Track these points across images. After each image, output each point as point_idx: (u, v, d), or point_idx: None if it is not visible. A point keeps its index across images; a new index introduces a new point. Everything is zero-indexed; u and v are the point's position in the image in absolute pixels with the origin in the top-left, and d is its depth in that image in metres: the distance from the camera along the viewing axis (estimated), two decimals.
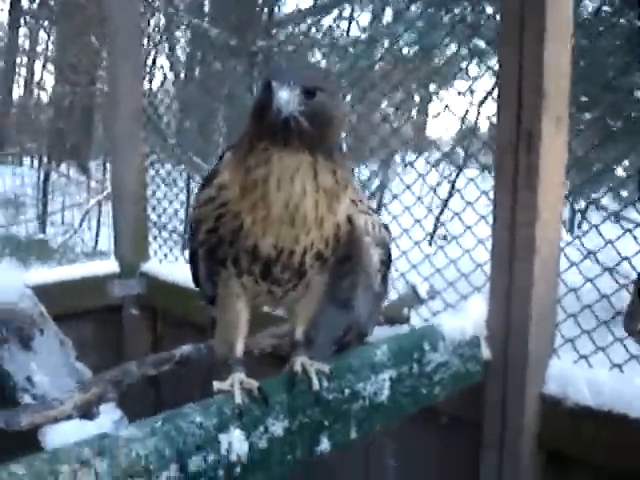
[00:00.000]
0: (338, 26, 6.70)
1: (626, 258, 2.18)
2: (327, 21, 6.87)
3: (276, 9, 7.46)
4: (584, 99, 3.39)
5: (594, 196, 3.33)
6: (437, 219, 4.29)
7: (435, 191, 3.06)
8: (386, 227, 1.56)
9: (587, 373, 1.97)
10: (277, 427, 1.48)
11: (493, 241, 1.99)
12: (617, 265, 2.23)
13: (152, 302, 3.38)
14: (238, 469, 1.40)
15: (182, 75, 7.65)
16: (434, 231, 4.27)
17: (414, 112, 6.35)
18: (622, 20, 3.88)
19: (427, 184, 2.93)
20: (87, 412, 1.73)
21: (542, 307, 1.94)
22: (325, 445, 1.58)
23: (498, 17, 4.35)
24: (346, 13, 6.67)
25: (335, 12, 6.64)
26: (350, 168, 1.47)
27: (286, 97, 1.27)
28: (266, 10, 7.22)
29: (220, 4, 7.01)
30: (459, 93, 4.82)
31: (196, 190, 1.57)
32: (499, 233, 1.96)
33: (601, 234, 2.23)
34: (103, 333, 3.31)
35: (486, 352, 2.00)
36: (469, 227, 2.53)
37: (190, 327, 3.19)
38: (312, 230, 1.39)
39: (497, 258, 1.97)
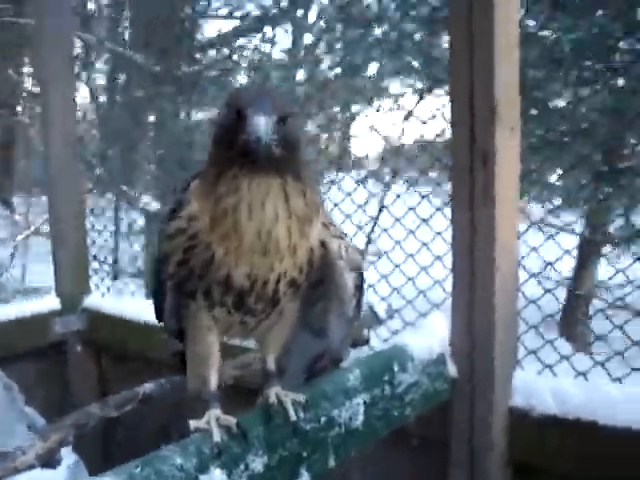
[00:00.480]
0: (257, 49, 6.75)
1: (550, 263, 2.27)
2: (250, 44, 6.92)
3: (199, 34, 7.44)
4: None
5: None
6: (368, 236, 4.33)
7: (364, 209, 3.05)
8: (359, 250, 1.54)
9: (552, 383, 1.99)
10: (257, 463, 1.43)
11: (453, 258, 1.99)
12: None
13: (96, 337, 3.26)
14: None
15: (104, 102, 7.51)
16: (365, 248, 4.30)
17: (338, 132, 6.39)
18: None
19: (354, 202, 2.93)
20: (49, 461, 1.63)
21: (505, 321, 1.95)
22: (305, 477, 1.54)
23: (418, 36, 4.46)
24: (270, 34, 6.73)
25: (258, 35, 6.69)
26: (318, 188, 1.44)
27: (263, 125, 1.24)
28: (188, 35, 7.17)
29: (141, 30, 6.89)
30: (377, 110, 4.90)
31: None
32: (458, 250, 1.96)
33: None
34: (47, 372, 3.17)
35: (452, 369, 1.99)
36: (398, 242, 2.57)
37: (136, 361, 3.10)
38: (285, 257, 1.36)
39: (458, 275, 1.98)
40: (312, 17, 6.27)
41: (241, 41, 6.99)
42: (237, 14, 7.01)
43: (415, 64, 4.60)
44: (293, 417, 1.49)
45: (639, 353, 2.10)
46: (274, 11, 6.61)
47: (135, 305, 3.17)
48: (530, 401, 1.97)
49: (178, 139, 6.01)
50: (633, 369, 2.09)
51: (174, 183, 5.93)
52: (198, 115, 6.73)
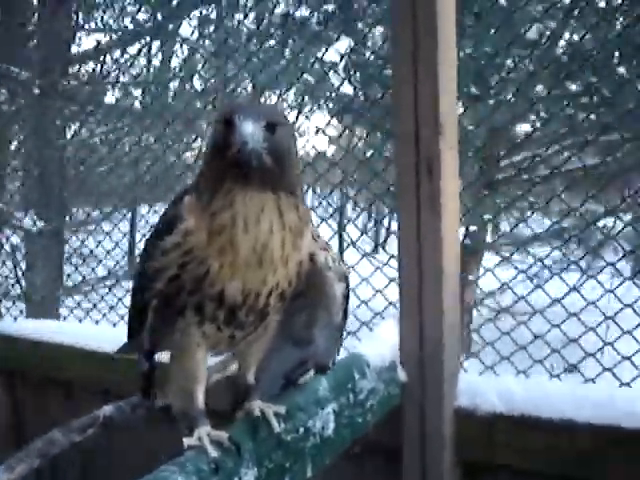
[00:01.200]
0: (132, 63, 6.63)
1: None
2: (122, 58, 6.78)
3: (74, 47, 7.19)
4: None
5: None
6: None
7: None
8: (341, 260, 1.58)
9: (495, 382, 2.11)
10: (249, 476, 1.43)
11: (401, 268, 2.07)
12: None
13: (8, 363, 3.08)
14: None
15: None
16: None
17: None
18: None
19: None
20: None
21: (451, 326, 2.05)
22: None
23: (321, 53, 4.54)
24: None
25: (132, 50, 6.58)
26: (306, 203, 1.47)
27: (251, 130, 1.26)
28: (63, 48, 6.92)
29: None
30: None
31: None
32: (406, 259, 2.04)
33: None
34: None
35: (402, 374, 2.06)
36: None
37: (55, 386, 2.97)
38: (278, 269, 1.37)
39: (406, 283, 2.05)
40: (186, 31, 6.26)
41: (117, 55, 6.86)
42: (113, 27, 6.89)
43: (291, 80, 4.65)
44: (277, 429, 1.51)
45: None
46: (149, 24, 6.55)
47: (50, 327, 3.05)
48: (475, 401, 2.07)
49: (56, 155, 5.81)
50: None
51: (53, 200, 5.71)
52: (74, 131, 6.53)
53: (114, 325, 3.61)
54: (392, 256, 2.37)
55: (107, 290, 4.26)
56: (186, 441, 1.38)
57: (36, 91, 6.01)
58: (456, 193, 2.06)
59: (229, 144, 1.28)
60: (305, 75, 4.26)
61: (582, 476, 1.94)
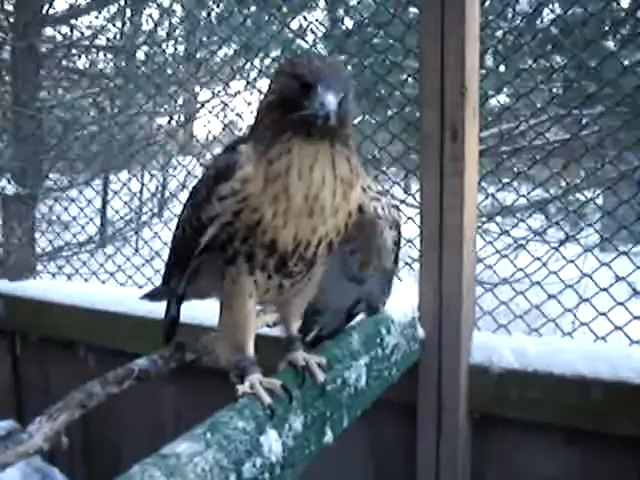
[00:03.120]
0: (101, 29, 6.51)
1: None
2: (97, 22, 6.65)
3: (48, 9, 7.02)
4: None
5: None
6: None
7: None
8: (396, 207, 1.63)
9: (509, 340, 2.19)
10: (297, 423, 1.48)
11: (422, 227, 2.12)
12: None
13: (9, 323, 3.07)
14: (278, 470, 1.39)
15: None
16: None
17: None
18: None
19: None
20: (57, 443, 1.56)
21: (468, 285, 2.12)
22: (329, 436, 1.61)
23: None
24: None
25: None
26: (358, 155, 1.51)
27: (334, 105, 1.29)
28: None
29: None
30: (213, 94, 4.93)
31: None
32: (428, 219, 2.09)
33: None
34: None
35: (420, 331, 2.13)
36: None
37: (54, 346, 2.98)
38: (328, 220, 1.41)
39: (427, 243, 2.11)
40: None
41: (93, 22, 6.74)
42: None
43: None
44: (321, 379, 1.56)
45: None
46: None
47: (53, 287, 3.04)
48: (489, 357, 2.15)
49: (35, 118, 5.69)
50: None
51: (30, 165, 5.62)
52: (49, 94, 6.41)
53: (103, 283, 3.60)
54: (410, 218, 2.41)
55: (84, 254, 4.27)
56: (240, 388, 1.42)
57: (11, 51, 5.86)
58: (476, 156, 2.12)
59: (302, 105, 1.32)
60: (279, 41, 4.24)
61: (593, 430, 2.03)
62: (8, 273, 4.65)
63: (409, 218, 2.40)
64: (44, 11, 6.60)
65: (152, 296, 1.95)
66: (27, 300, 2.99)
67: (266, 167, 1.36)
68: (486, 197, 2.69)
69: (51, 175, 5.84)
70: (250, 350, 1.51)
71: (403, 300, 2.11)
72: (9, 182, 5.63)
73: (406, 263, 2.42)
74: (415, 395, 2.20)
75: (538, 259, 2.39)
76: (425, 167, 2.10)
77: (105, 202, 6.48)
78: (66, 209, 4.45)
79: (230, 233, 1.41)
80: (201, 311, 2.21)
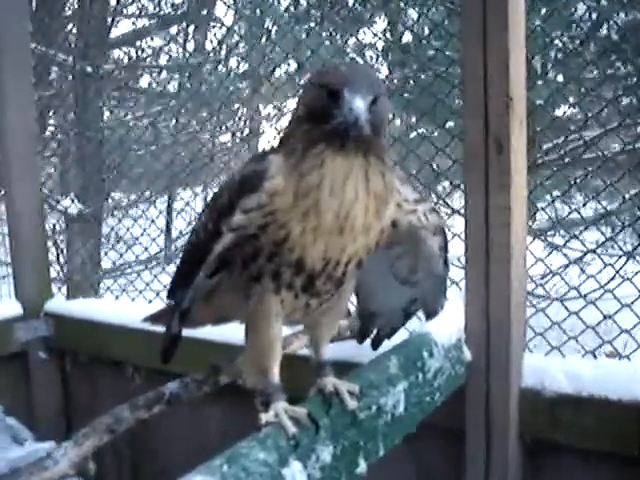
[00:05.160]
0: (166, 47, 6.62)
1: None
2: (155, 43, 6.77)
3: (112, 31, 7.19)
4: None
5: None
6: None
7: None
8: (436, 211, 1.56)
9: (562, 363, 2.06)
10: (325, 454, 1.41)
11: (467, 243, 2.03)
12: None
13: (59, 343, 3.11)
14: None
15: None
16: None
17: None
18: None
19: None
20: (83, 469, 1.54)
21: (517, 305, 2.01)
22: (362, 467, 1.53)
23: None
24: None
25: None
26: (393, 166, 1.44)
27: (362, 109, 1.23)
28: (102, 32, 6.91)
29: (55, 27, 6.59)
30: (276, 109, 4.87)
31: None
32: (474, 235, 2.00)
33: None
34: (9, 382, 2.99)
35: (467, 353, 2.03)
36: None
37: (102, 365, 2.99)
38: (358, 238, 1.35)
39: (473, 260, 2.01)
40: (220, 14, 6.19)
41: (156, 42, 6.86)
42: (149, 11, 6.90)
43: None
44: (351, 406, 1.49)
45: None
46: (182, 10, 6.52)
47: (102, 307, 3.06)
48: (541, 380, 2.03)
49: (95, 138, 5.81)
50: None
51: (93, 184, 5.73)
52: (112, 114, 6.54)
53: (150, 302, 3.59)
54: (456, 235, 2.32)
55: (146, 271, 4.28)
56: (263, 417, 1.37)
57: (75, 74, 6.02)
58: (524, 169, 2.01)
59: (331, 114, 1.26)
60: (341, 55, 4.19)
61: None
62: (72, 292, 4.75)
63: (455, 235, 2.31)
64: (108, 33, 6.82)
65: (156, 318, 1.91)
66: (76, 319, 3.01)
67: (297, 181, 1.29)
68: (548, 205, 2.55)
69: (114, 194, 5.96)
70: (275, 375, 1.46)
71: (448, 320, 2.01)
72: (73, 202, 5.79)
73: (452, 281, 2.32)
74: (462, 419, 2.10)
75: (593, 277, 2.25)
76: (470, 181, 2.00)
77: (169, 220, 6.57)
78: (128, 229, 4.47)
79: (256, 247, 1.36)
80: (238, 330, 2.17)
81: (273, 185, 1.31)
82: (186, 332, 2.58)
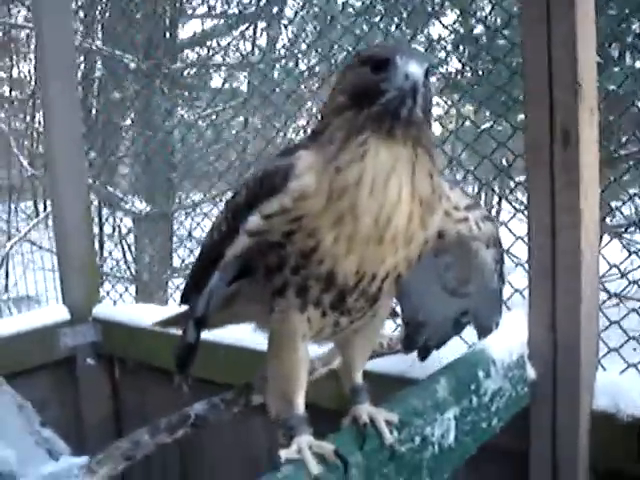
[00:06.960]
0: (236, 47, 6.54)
1: None
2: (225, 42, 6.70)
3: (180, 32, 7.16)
4: None
5: None
6: None
7: None
8: (490, 219, 1.38)
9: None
10: None
11: (531, 248, 1.81)
12: None
13: (108, 349, 3.03)
14: None
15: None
16: None
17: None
18: None
19: None
20: None
21: (588, 317, 1.78)
22: None
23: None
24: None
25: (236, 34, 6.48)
26: (440, 167, 1.25)
27: (419, 74, 1.06)
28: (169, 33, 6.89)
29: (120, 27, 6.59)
30: None
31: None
32: (538, 239, 1.78)
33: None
34: (56, 389, 2.92)
35: (531, 372, 1.81)
36: None
37: (151, 371, 2.89)
38: (399, 250, 1.16)
39: (537, 267, 1.79)
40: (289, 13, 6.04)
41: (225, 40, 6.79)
42: (216, 11, 6.84)
43: None
44: (390, 440, 1.30)
45: None
46: (252, 9, 6.40)
47: (148, 312, 2.96)
48: (616, 402, 1.80)
49: (164, 138, 5.77)
50: None
51: (161, 184, 5.71)
52: (180, 114, 6.51)
53: None
54: (519, 237, 2.10)
55: None
56: (283, 454, 1.19)
57: (142, 75, 6.00)
58: (595, 164, 1.77)
59: (380, 91, 1.09)
60: None
61: None
62: (141, 293, 4.72)
63: (518, 237, 2.08)
64: (177, 34, 6.81)
65: (168, 322, 1.76)
66: (123, 325, 2.92)
67: (332, 177, 1.11)
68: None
69: (181, 193, 5.93)
70: (300, 406, 1.28)
71: (509, 334, 1.80)
72: (140, 202, 5.79)
73: (516, 290, 2.10)
74: (527, 441, 1.88)
75: None
76: (533, 179, 1.78)
77: None
78: (198, 224, 4.37)
79: (281, 257, 1.18)
80: None
81: (300, 186, 1.13)
82: (236, 341, 2.46)
